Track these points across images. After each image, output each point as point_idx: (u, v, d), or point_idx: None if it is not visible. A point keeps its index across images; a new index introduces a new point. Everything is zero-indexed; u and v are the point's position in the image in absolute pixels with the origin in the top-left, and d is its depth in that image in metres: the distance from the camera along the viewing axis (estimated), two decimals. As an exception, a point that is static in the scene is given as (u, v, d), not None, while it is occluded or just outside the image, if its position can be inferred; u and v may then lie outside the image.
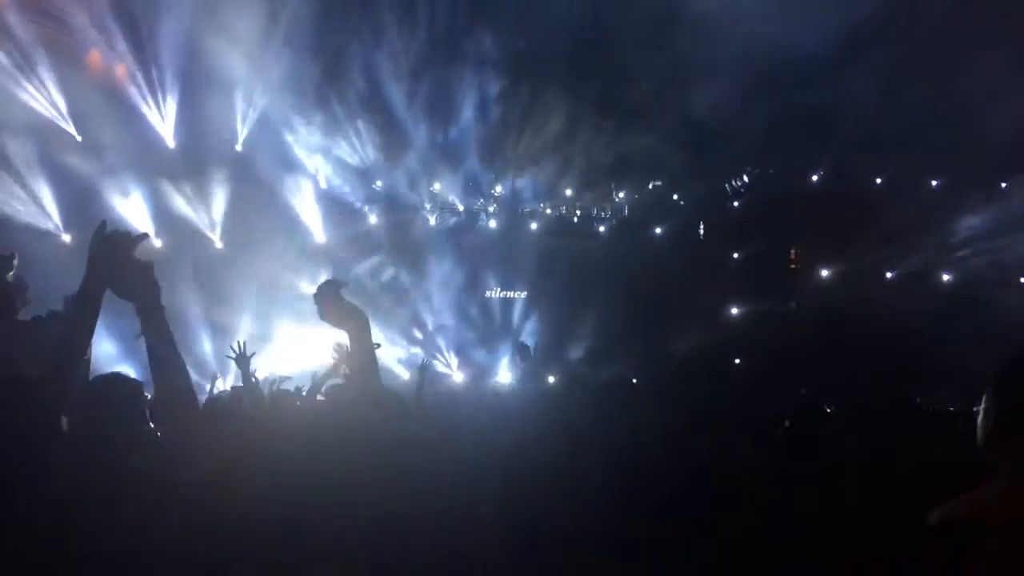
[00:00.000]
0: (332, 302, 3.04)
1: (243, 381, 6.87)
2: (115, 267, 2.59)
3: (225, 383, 11.72)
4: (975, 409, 2.03)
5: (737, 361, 17.61)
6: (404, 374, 16.69)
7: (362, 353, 3.00)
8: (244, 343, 6.94)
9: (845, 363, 14.79)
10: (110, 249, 2.57)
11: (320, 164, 18.21)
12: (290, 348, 14.12)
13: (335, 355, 6.25)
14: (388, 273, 18.37)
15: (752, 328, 18.30)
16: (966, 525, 1.86)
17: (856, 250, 18.49)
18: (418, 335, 18.30)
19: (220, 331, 14.60)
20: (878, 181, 19.49)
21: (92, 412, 2.76)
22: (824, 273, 19.40)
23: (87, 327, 2.63)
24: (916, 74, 15.83)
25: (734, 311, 19.18)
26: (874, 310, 16.84)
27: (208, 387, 10.10)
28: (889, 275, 18.83)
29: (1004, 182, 18.16)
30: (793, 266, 20.48)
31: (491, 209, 20.48)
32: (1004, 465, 1.92)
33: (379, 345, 3.10)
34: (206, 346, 14.33)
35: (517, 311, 19.29)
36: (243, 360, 6.80)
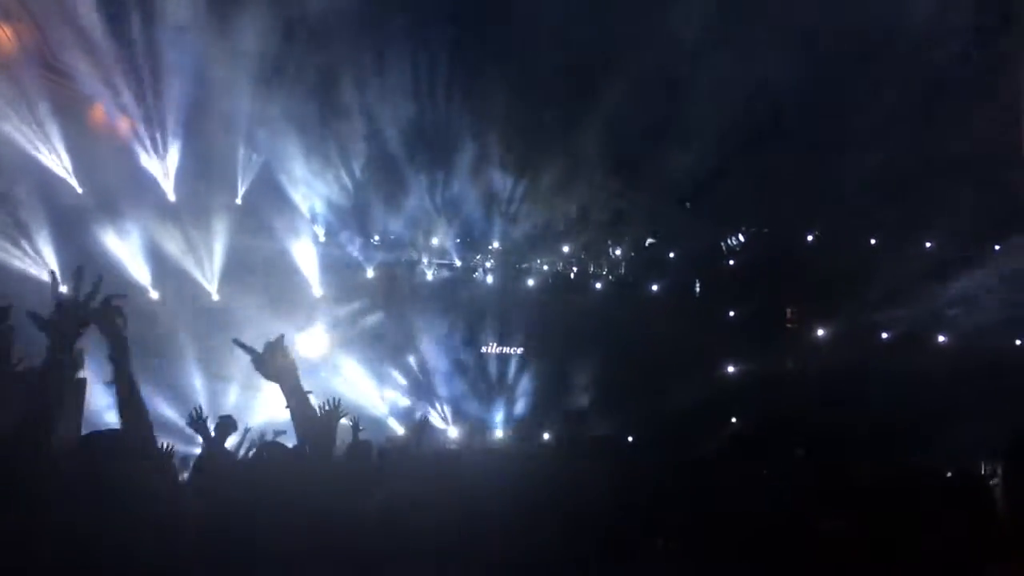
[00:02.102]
0: (275, 359, 3.08)
1: (203, 447, 6.63)
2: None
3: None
4: (984, 473, 2.06)
5: (733, 420, 17.50)
6: (399, 428, 16.59)
7: (299, 403, 3.06)
8: (200, 408, 6.77)
9: (841, 424, 14.70)
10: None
11: (318, 217, 18.34)
12: (282, 400, 14.02)
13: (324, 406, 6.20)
14: (384, 326, 18.36)
15: (748, 387, 18.23)
16: None
17: (852, 310, 18.53)
18: (413, 389, 18.23)
19: (214, 380, 14.55)
20: (872, 241, 19.63)
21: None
22: (820, 333, 19.41)
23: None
24: (911, 134, 16.06)
25: (730, 370, 19.14)
26: (870, 371, 16.80)
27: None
28: (884, 336, 18.84)
29: (997, 244, 18.28)
30: (789, 325, 20.49)
31: (487, 264, 20.57)
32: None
33: (310, 391, 3.17)
34: (200, 396, 14.24)
35: (512, 367, 19.26)
36: (200, 426, 6.66)
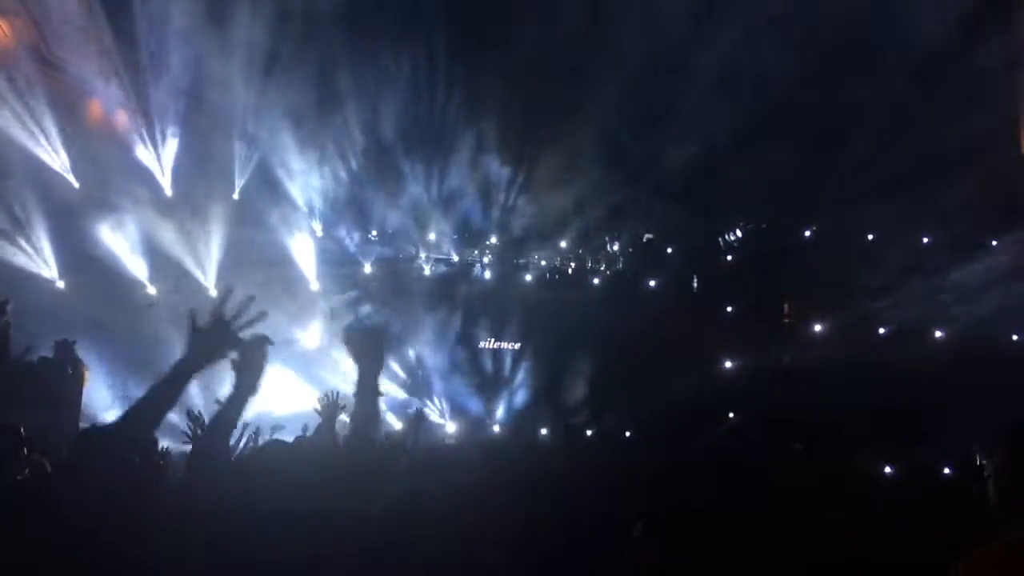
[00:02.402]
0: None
1: (196, 444, 6.56)
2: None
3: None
4: (979, 464, 2.09)
5: (731, 415, 17.52)
6: (396, 423, 16.59)
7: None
8: (200, 413, 6.71)
9: (839, 418, 14.73)
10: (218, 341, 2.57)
11: (315, 211, 18.32)
12: (280, 393, 14.03)
13: (319, 404, 6.23)
14: (381, 321, 18.35)
15: (746, 382, 18.25)
16: None
17: (849, 305, 18.55)
18: (410, 384, 18.23)
19: (210, 376, 14.50)
20: (870, 237, 19.64)
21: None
22: (817, 328, 19.42)
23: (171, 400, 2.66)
24: (909, 128, 16.07)
25: (728, 365, 19.15)
26: (867, 365, 16.81)
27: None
28: (882, 331, 18.86)
29: (995, 239, 18.30)
30: (786, 320, 20.50)
31: (485, 260, 20.57)
32: (1021, 522, 1.96)
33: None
34: (194, 393, 14.19)
35: (510, 362, 19.27)
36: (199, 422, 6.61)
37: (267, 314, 2.67)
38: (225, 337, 2.66)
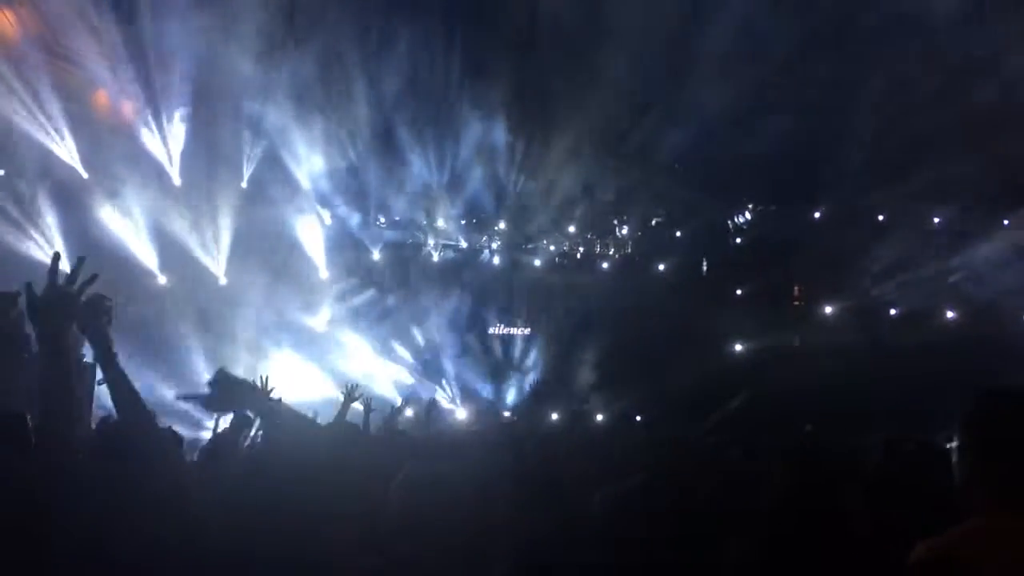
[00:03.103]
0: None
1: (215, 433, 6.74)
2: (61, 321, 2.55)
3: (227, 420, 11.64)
4: (949, 446, 2.07)
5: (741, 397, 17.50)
6: (407, 410, 16.64)
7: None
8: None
9: (849, 400, 14.70)
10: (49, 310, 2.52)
11: (324, 198, 18.34)
12: (290, 380, 14.10)
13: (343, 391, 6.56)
14: (390, 307, 18.40)
15: (756, 364, 18.22)
16: (948, 562, 1.88)
17: (859, 286, 18.48)
18: (421, 369, 18.28)
19: (220, 363, 14.60)
20: (881, 217, 19.54)
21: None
22: (828, 310, 19.36)
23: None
24: (919, 109, 15.94)
25: (738, 347, 19.12)
26: (878, 347, 16.78)
27: (212, 423, 10.06)
28: (893, 312, 18.79)
29: (1006, 218, 18.19)
30: (796, 302, 20.45)
31: (494, 245, 20.55)
32: (982, 502, 1.95)
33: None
34: (206, 377, 14.28)
35: (520, 347, 19.29)
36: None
37: (98, 276, 2.59)
38: (63, 304, 2.57)
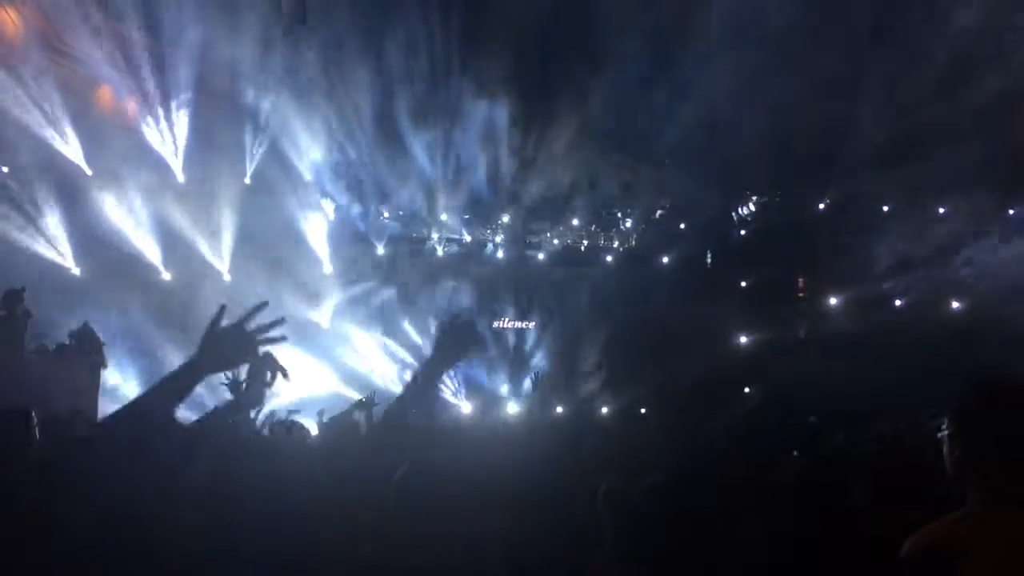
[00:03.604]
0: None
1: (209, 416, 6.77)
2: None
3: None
4: (939, 436, 2.05)
5: (747, 390, 17.50)
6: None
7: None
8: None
9: (854, 391, 14.68)
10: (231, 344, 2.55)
11: (328, 193, 18.35)
12: (295, 376, 14.11)
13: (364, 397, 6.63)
14: (394, 302, 18.41)
15: (761, 357, 18.20)
16: (939, 552, 1.88)
17: (864, 278, 18.43)
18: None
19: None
20: (885, 208, 19.47)
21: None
22: (832, 301, 19.33)
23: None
24: (923, 99, 15.89)
25: (743, 340, 19.11)
26: (883, 338, 16.73)
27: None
28: (898, 303, 18.74)
29: (1012, 208, 18.13)
30: (801, 294, 20.42)
31: (498, 239, 20.54)
32: (973, 492, 1.94)
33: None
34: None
35: (524, 341, 19.29)
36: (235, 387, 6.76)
37: (286, 339, 2.61)
38: (241, 345, 2.60)
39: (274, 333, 2.55)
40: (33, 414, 2.79)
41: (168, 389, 2.52)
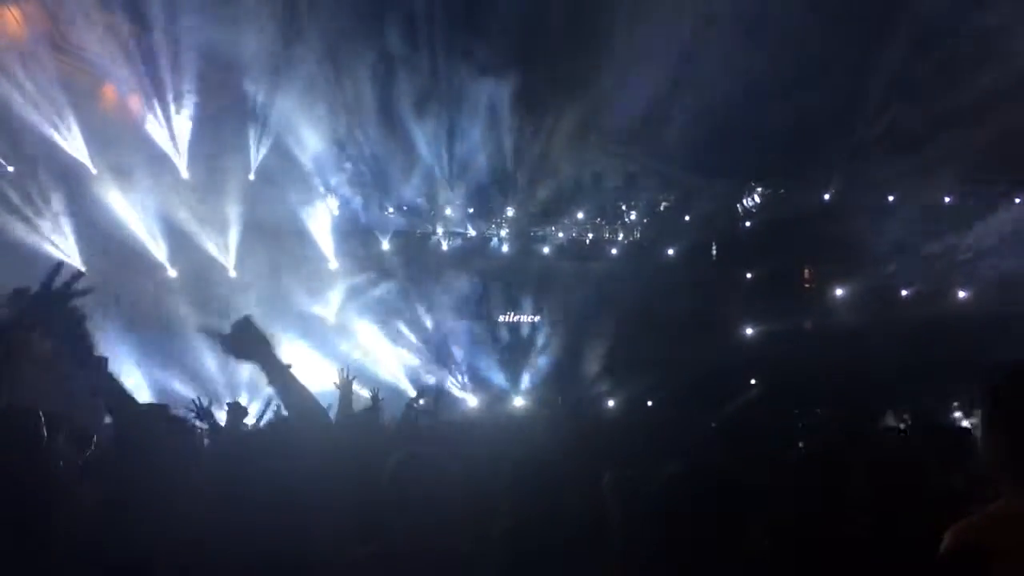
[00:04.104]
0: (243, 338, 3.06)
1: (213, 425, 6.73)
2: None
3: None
4: (971, 424, 2.00)
5: (753, 382, 17.49)
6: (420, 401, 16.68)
7: (282, 378, 3.05)
8: (199, 399, 6.80)
9: (861, 383, 14.67)
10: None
11: (332, 189, 18.35)
12: (300, 371, 14.12)
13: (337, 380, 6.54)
14: (400, 296, 18.42)
15: (767, 348, 18.18)
16: (978, 549, 1.82)
17: (870, 268, 18.37)
18: (431, 357, 18.31)
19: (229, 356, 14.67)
20: (890, 198, 19.39)
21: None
22: (838, 292, 19.28)
23: None
24: (927, 87, 15.83)
25: (749, 331, 19.08)
26: (890, 328, 16.69)
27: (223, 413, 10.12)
28: (904, 292, 18.69)
29: (1018, 196, 18.06)
30: (807, 285, 20.37)
31: (502, 233, 20.53)
32: (1010, 486, 1.88)
33: (291, 364, 3.15)
34: (215, 372, 14.43)
35: (530, 334, 19.29)
36: (206, 414, 6.74)
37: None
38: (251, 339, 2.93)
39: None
40: (41, 413, 2.81)
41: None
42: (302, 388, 3.02)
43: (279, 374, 3.00)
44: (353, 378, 6.64)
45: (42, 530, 2.46)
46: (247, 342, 2.97)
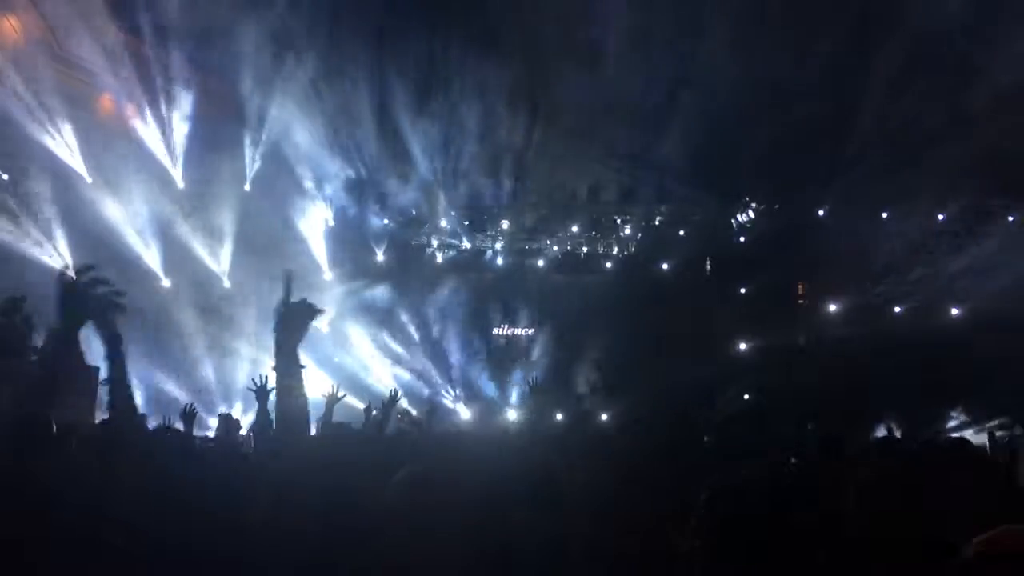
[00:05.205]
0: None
1: (258, 415, 6.83)
2: None
3: (231, 411, 11.81)
4: (998, 435, 2.00)
5: (746, 397, 17.49)
6: (410, 411, 16.67)
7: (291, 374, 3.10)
8: (265, 377, 6.91)
9: (854, 398, 14.69)
10: None
11: (328, 199, 18.37)
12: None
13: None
14: (394, 307, 18.41)
15: (760, 363, 18.18)
16: (1009, 556, 1.82)
17: (863, 284, 18.42)
18: (424, 370, 18.29)
19: (223, 360, 14.72)
20: (884, 215, 19.47)
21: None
22: (832, 308, 19.31)
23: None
24: (920, 106, 15.92)
25: (742, 346, 19.09)
26: (883, 344, 16.73)
27: (215, 421, 10.12)
28: (897, 309, 18.74)
29: (1009, 214, 18.15)
30: (800, 301, 20.39)
31: (497, 245, 20.55)
32: None
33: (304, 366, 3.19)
34: (211, 379, 14.40)
35: (524, 347, 19.28)
36: (262, 394, 6.80)
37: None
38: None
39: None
40: (51, 417, 2.85)
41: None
42: (300, 395, 3.04)
43: (292, 370, 3.02)
44: (342, 396, 6.69)
45: (52, 532, 2.47)
46: (299, 321, 3.02)
